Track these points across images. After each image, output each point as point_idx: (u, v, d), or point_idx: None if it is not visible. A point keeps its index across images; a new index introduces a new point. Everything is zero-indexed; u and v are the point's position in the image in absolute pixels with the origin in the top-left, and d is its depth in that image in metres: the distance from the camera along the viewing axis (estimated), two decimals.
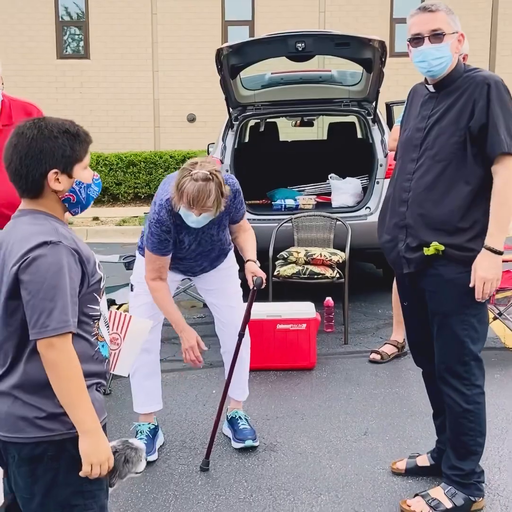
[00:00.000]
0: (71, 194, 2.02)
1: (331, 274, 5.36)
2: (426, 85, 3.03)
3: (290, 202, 6.39)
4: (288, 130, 9.24)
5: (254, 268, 3.63)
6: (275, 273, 5.42)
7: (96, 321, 2.06)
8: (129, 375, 3.61)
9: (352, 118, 7.63)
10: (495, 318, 5.14)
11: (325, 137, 8.49)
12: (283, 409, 4.21)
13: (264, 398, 4.37)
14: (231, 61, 5.99)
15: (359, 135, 7.97)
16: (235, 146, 6.53)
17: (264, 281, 3.59)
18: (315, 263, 5.40)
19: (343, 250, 5.51)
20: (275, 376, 4.73)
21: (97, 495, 2.03)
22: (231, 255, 3.86)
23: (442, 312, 3.01)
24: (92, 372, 2.02)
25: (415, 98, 3.12)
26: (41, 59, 14.95)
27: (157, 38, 14.78)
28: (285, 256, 5.47)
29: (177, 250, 3.56)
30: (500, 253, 2.86)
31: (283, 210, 6.31)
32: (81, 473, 1.94)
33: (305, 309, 4.83)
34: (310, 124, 8.57)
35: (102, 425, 2.02)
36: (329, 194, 6.73)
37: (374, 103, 6.30)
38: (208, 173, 3.23)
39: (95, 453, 1.94)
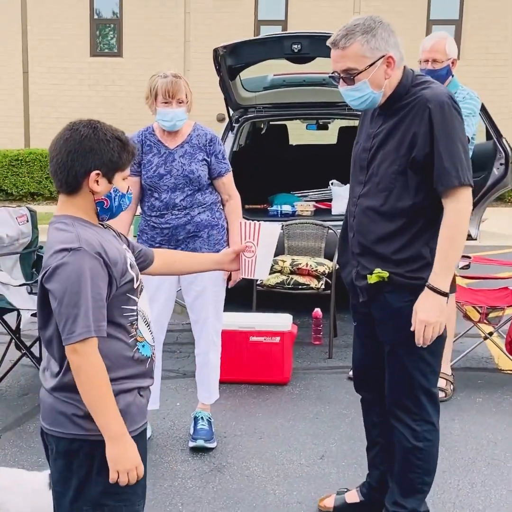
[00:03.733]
0: (106, 198, 2.06)
1: (316, 284, 5.16)
2: None
3: (286, 208, 6.20)
4: (303, 132, 9.03)
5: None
6: (258, 281, 5.24)
7: (134, 322, 2.05)
8: None
9: None
10: (485, 338, 4.87)
11: (335, 142, 8.25)
12: (243, 427, 4.03)
13: (227, 413, 4.20)
14: (228, 62, 5.83)
15: None
16: (235, 149, 6.38)
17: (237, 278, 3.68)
18: (300, 273, 5.21)
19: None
20: (245, 390, 4.55)
21: (129, 499, 2.04)
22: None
23: (390, 342, 2.78)
24: (131, 374, 2.03)
25: (368, 111, 2.88)
26: (74, 56, 15.05)
27: (189, 37, 14.73)
28: (271, 265, 5.27)
29: (148, 178, 3.61)
30: (445, 294, 2.58)
31: (278, 216, 6.12)
32: (110, 480, 1.95)
33: (280, 322, 4.64)
34: (324, 127, 8.34)
35: (140, 430, 2.06)
36: (331, 200, 6.52)
37: None
38: (175, 73, 3.55)
39: (121, 461, 1.94)
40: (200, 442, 3.70)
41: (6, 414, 4.18)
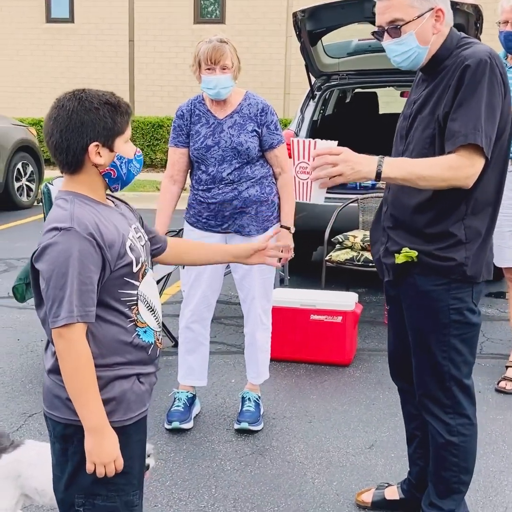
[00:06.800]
0: (111, 168, 1.94)
1: None
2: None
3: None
4: (400, 100, 8.64)
5: (285, 241, 3.51)
6: (327, 257, 5.04)
7: (133, 306, 1.96)
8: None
9: None
10: None
11: None
12: (294, 409, 3.89)
13: (280, 393, 4.06)
14: (308, 27, 5.62)
15: None
16: (315, 118, 6.16)
17: (288, 256, 3.59)
18: None
19: None
20: (304, 370, 4.40)
21: (123, 489, 1.97)
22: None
23: (418, 328, 2.58)
24: (129, 360, 1.96)
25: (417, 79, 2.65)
26: (178, 24, 15.06)
27: (292, 2, 14.40)
28: (341, 240, 5.07)
29: (196, 149, 3.48)
30: None
31: (357, 188, 5.86)
32: (86, 470, 1.90)
33: (343, 301, 4.43)
34: None
35: (137, 418, 1.98)
36: None
37: None
38: (221, 37, 3.38)
39: (97, 453, 1.87)
40: (244, 425, 3.59)
41: None
